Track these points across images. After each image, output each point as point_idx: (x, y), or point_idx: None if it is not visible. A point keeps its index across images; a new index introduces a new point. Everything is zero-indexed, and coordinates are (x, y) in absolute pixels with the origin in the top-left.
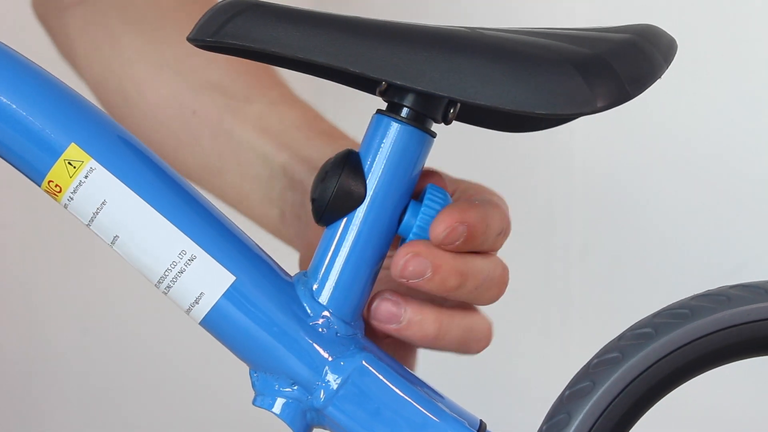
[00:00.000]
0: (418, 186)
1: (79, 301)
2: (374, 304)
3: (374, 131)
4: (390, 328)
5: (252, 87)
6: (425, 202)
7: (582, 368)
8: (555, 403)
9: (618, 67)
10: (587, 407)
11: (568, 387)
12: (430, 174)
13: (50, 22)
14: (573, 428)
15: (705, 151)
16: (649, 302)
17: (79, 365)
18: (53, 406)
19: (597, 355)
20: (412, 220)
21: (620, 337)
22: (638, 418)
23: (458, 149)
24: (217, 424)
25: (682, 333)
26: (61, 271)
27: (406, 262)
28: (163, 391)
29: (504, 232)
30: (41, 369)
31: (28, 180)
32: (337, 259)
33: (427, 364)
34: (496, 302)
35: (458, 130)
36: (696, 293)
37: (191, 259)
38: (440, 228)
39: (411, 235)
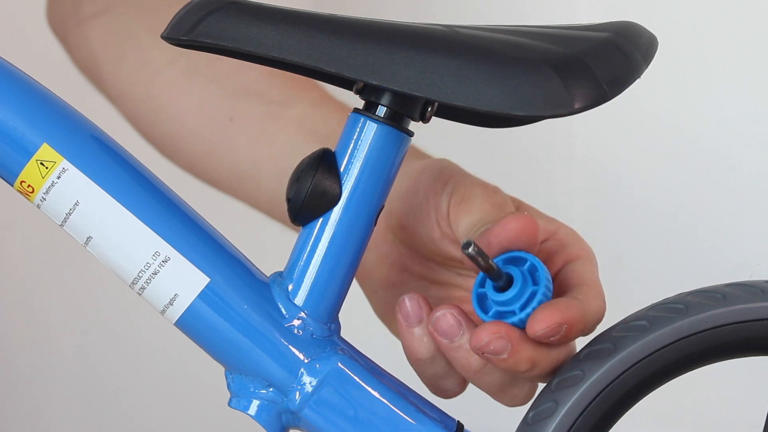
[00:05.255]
0: (508, 239)
1: (79, 301)
2: (437, 315)
3: (350, 130)
4: (443, 342)
5: (290, 89)
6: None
7: (573, 357)
8: (543, 390)
9: (596, 67)
10: (575, 396)
11: (557, 375)
12: (523, 221)
13: (68, 36)
14: (559, 417)
15: (708, 148)
16: (649, 301)
17: (79, 365)
18: (53, 406)
19: (589, 345)
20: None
21: (613, 328)
22: (625, 411)
23: (457, 144)
24: (218, 424)
25: (676, 328)
26: (61, 271)
27: (489, 341)
28: (163, 391)
29: (597, 324)
30: (41, 369)
31: None
32: (312, 260)
33: None
34: None
35: (457, 123)
36: (691, 289)
37: (165, 261)
38: (539, 326)
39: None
